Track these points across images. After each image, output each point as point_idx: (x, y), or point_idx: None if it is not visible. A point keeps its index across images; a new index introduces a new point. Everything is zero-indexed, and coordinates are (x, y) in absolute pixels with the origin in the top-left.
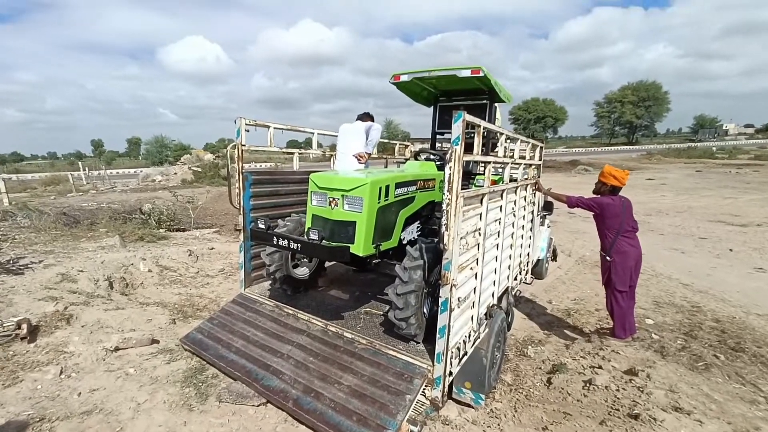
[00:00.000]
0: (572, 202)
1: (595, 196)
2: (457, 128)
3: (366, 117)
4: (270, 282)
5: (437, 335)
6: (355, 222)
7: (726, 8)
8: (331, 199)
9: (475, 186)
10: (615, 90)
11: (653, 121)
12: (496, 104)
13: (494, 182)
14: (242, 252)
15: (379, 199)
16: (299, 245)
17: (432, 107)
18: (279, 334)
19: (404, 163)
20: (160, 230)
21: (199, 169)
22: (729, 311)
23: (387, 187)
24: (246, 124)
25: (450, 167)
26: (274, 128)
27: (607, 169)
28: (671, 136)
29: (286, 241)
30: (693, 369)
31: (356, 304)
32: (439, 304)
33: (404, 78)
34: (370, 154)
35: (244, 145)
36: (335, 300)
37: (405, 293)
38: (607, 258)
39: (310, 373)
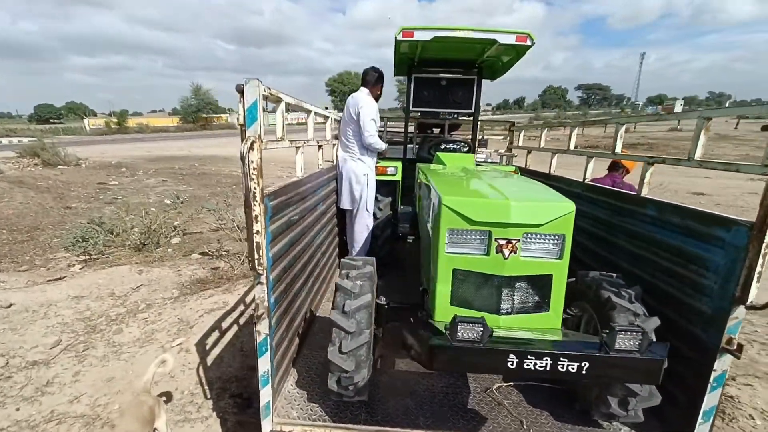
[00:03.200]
0: None
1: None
2: None
3: (376, 80)
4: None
5: (699, 419)
6: (549, 277)
7: (468, 11)
8: (503, 243)
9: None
10: None
11: None
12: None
13: None
14: (266, 352)
15: None
16: (596, 366)
17: (406, 77)
18: None
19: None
20: None
21: None
22: None
23: None
24: (263, 95)
25: None
26: (286, 103)
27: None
28: None
29: (545, 362)
30: None
31: (460, 381)
32: (711, 379)
33: (420, 36)
34: None
35: (260, 139)
36: (425, 381)
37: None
38: None
39: None
